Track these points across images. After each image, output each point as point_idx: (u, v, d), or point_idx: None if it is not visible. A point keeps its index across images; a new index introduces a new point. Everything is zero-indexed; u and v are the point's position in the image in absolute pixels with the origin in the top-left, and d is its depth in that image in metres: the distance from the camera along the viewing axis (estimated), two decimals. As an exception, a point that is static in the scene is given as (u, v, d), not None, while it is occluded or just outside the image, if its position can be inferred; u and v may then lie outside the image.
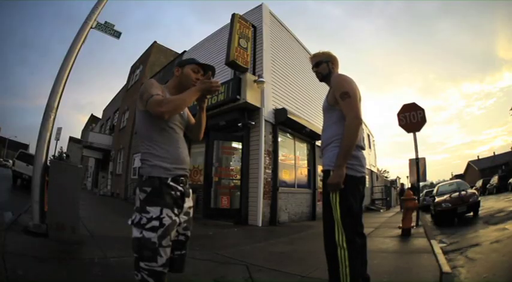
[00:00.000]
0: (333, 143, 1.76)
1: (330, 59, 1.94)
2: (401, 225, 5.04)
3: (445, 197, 7.52)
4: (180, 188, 1.41)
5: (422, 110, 6.38)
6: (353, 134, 1.65)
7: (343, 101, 1.71)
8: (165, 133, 1.42)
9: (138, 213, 1.31)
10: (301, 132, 8.77)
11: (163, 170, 1.36)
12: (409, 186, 9.09)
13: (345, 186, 1.64)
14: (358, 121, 1.66)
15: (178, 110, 1.39)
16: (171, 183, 1.37)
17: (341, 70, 2.00)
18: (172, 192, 1.37)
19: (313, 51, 2.07)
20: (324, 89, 1.96)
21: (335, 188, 1.66)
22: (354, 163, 1.69)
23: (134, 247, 1.30)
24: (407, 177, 9.36)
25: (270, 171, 7.16)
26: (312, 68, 2.01)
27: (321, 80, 2.00)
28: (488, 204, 9.75)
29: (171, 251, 1.37)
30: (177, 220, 1.38)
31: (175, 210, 1.37)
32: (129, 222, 1.34)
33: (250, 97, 6.85)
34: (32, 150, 19.39)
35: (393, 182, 27.85)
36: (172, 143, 1.43)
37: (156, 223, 1.28)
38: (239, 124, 7.23)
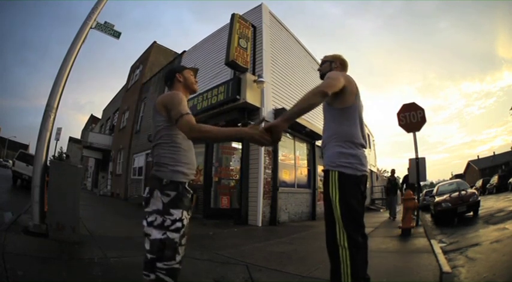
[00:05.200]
0: (332, 142, 1.74)
1: (333, 60, 1.97)
2: (401, 225, 5.05)
3: (445, 196, 7.54)
4: (191, 191, 1.50)
5: (422, 109, 6.40)
6: (308, 98, 1.49)
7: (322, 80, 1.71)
8: (187, 140, 1.50)
9: (160, 215, 1.36)
10: (301, 132, 8.77)
11: (183, 175, 1.45)
12: (405, 175, 8.49)
13: (346, 185, 1.64)
14: (319, 90, 1.51)
15: (206, 139, 1.47)
16: (187, 187, 1.47)
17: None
18: (188, 195, 1.47)
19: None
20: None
21: (273, 136, 1.33)
22: (353, 162, 1.67)
23: (154, 248, 1.34)
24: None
25: (270, 171, 7.16)
26: (318, 68, 2.06)
27: (321, 78, 2.02)
28: (488, 203, 9.76)
29: None
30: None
31: (189, 211, 1.47)
32: (145, 223, 1.39)
33: (250, 97, 6.85)
34: (31, 150, 19.41)
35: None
36: (190, 149, 1.54)
37: (179, 224, 1.37)
38: (239, 124, 7.22)
